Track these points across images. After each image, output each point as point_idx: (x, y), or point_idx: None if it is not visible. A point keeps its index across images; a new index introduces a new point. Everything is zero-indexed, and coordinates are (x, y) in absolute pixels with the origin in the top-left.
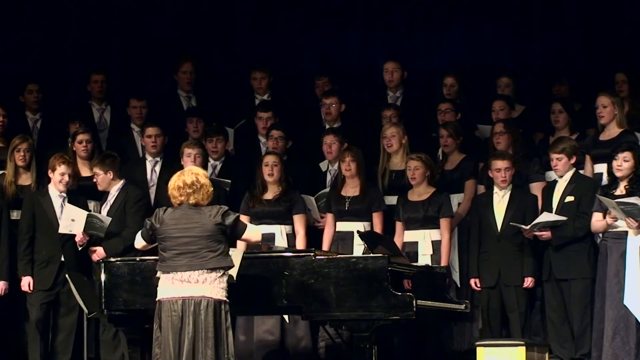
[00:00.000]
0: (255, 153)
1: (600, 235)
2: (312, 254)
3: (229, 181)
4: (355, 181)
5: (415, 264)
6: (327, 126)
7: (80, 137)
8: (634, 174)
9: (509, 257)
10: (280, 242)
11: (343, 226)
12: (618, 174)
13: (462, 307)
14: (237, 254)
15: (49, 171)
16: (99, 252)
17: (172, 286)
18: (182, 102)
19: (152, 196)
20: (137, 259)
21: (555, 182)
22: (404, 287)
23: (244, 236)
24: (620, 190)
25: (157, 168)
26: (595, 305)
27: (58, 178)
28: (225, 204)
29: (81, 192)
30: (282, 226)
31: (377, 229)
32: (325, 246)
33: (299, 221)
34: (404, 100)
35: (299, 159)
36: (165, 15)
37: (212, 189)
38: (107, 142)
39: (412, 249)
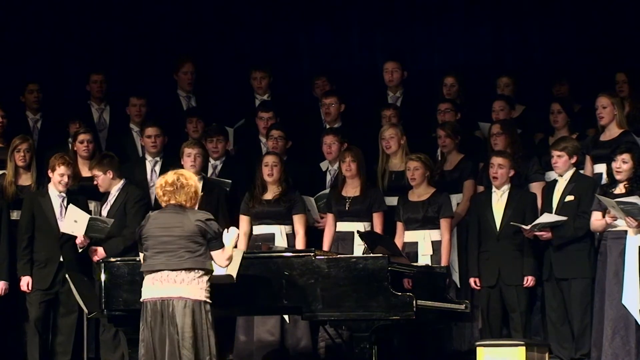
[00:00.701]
0: (255, 153)
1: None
2: (312, 254)
3: (230, 181)
4: (356, 181)
5: (415, 264)
6: (327, 126)
7: (81, 136)
8: (633, 175)
9: (509, 256)
10: (280, 242)
11: (343, 226)
12: (618, 176)
13: (462, 307)
14: (237, 253)
15: (49, 171)
16: (99, 252)
17: (152, 286)
18: (182, 102)
19: (152, 196)
20: (137, 259)
21: (555, 181)
22: (404, 287)
23: (215, 252)
24: (620, 189)
25: (157, 168)
26: (595, 305)
27: (57, 179)
28: (226, 204)
29: (81, 193)
30: (282, 226)
31: (378, 229)
32: (326, 246)
33: (298, 221)
34: (404, 100)
35: (299, 159)
36: (165, 15)
37: (197, 190)
38: (106, 142)
39: (412, 249)
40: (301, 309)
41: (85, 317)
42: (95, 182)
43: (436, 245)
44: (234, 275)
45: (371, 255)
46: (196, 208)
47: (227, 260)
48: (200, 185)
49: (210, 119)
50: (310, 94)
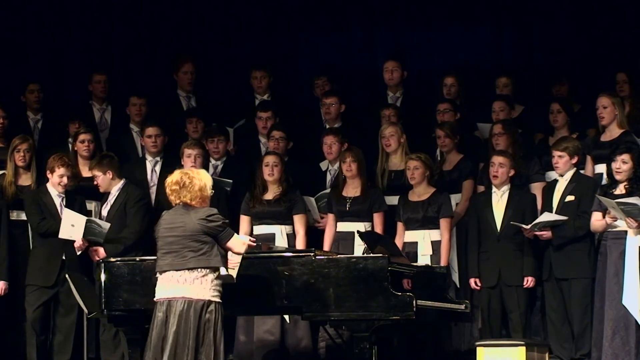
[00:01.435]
0: (255, 153)
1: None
2: (312, 254)
3: (230, 181)
4: (356, 182)
5: (415, 264)
6: (327, 126)
7: (82, 136)
8: (633, 175)
9: (509, 256)
10: (281, 242)
11: (344, 226)
12: (617, 177)
13: (462, 307)
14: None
15: (48, 172)
16: (99, 253)
17: (161, 287)
18: (181, 102)
19: (153, 196)
20: (137, 259)
21: (555, 181)
22: (403, 287)
23: (227, 244)
24: (620, 190)
25: (158, 168)
26: (595, 305)
27: (57, 180)
28: (226, 204)
29: (80, 193)
30: (282, 226)
31: (378, 229)
32: (326, 246)
33: (299, 221)
34: (404, 100)
35: (299, 159)
36: (165, 15)
37: (202, 188)
38: (107, 142)
39: (411, 249)
40: (301, 309)
41: (85, 317)
42: (95, 183)
43: (436, 245)
44: (234, 276)
45: (371, 255)
46: (208, 205)
47: (243, 245)
48: (209, 182)
49: (210, 119)
50: (310, 94)
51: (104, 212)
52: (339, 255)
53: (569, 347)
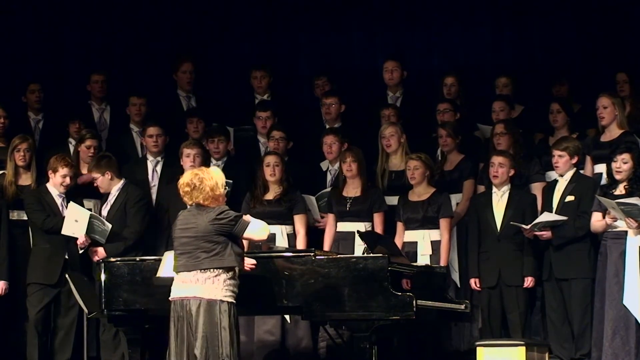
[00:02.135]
0: (255, 153)
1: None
2: (312, 254)
3: (231, 181)
4: (357, 182)
5: (414, 264)
6: (327, 126)
7: (89, 142)
8: (633, 175)
9: (510, 256)
10: (281, 242)
11: (344, 226)
12: (617, 177)
13: (462, 307)
14: None
15: (50, 172)
16: (99, 253)
17: (176, 286)
18: (182, 102)
19: (154, 196)
20: (137, 259)
21: (555, 181)
22: (403, 287)
23: (246, 234)
24: (620, 190)
25: (158, 168)
26: (595, 305)
27: (59, 180)
28: (226, 204)
29: (81, 192)
30: (283, 226)
31: (378, 229)
32: (326, 246)
33: (299, 221)
34: (404, 100)
35: (299, 159)
36: (165, 15)
37: (213, 187)
38: (106, 142)
39: (411, 249)
40: (301, 309)
41: (85, 317)
42: (95, 184)
43: (436, 245)
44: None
45: (371, 255)
46: (223, 203)
47: (264, 230)
48: (220, 180)
49: (210, 119)
50: (310, 94)
51: (104, 212)
52: (339, 255)
53: (569, 347)
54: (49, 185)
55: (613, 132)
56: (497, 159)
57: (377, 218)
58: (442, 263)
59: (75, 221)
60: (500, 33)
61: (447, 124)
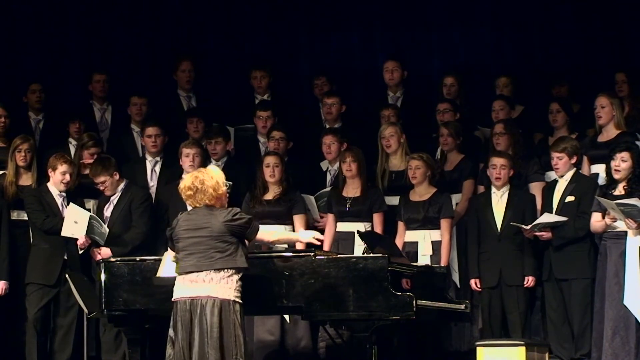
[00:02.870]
0: (255, 153)
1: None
2: (312, 254)
3: (230, 183)
4: (356, 182)
5: (415, 264)
6: (327, 126)
7: (92, 149)
8: (632, 175)
9: (510, 257)
10: None
11: (344, 227)
12: (616, 176)
13: (462, 307)
14: None
15: (49, 170)
16: (104, 252)
17: (183, 286)
18: (182, 102)
19: (153, 196)
20: (137, 259)
21: (555, 181)
22: (403, 287)
23: (258, 237)
24: (619, 190)
25: (157, 168)
26: (595, 305)
27: (59, 177)
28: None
29: (80, 191)
30: (282, 226)
31: (378, 229)
32: (326, 246)
33: (299, 221)
34: (404, 100)
35: (299, 159)
36: (165, 15)
37: (215, 188)
38: (107, 142)
39: (412, 249)
40: (301, 309)
41: (85, 317)
42: (102, 188)
43: (436, 245)
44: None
45: (371, 255)
46: (226, 201)
47: (272, 235)
48: (220, 179)
49: (210, 119)
50: (310, 94)
51: (107, 213)
52: (339, 255)
53: (569, 347)
54: (50, 185)
55: (610, 133)
56: (498, 161)
57: (377, 218)
58: (443, 263)
59: (75, 222)
60: (500, 33)
61: (450, 123)
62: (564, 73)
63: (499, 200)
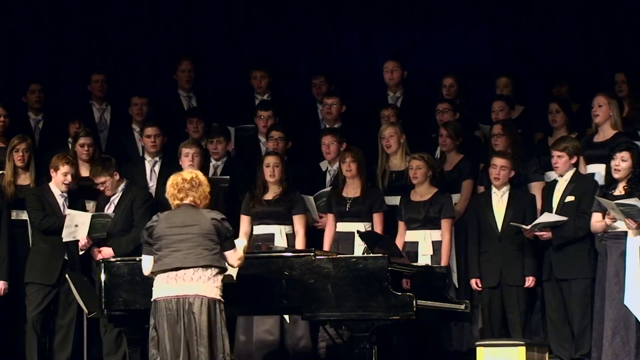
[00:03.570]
0: (255, 153)
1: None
2: (312, 254)
3: (227, 177)
4: (356, 182)
5: (415, 264)
6: (327, 126)
7: (82, 140)
8: (632, 174)
9: (510, 257)
10: (280, 242)
11: (344, 227)
12: (616, 175)
13: (462, 307)
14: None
15: (51, 170)
16: (105, 252)
17: (166, 285)
18: (182, 102)
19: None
20: (137, 259)
21: (555, 181)
22: (403, 287)
23: (226, 253)
24: (619, 190)
25: (157, 168)
26: (595, 305)
27: (61, 178)
28: (225, 203)
29: (80, 193)
30: (282, 226)
31: (378, 229)
32: (326, 246)
33: (298, 221)
34: (404, 100)
35: (299, 159)
36: (165, 15)
37: (210, 190)
38: (107, 142)
39: (412, 249)
40: (301, 309)
41: (85, 317)
42: (102, 188)
43: (436, 245)
44: (234, 276)
45: (371, 255)
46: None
47: (238, 260)
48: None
49: (210, 119)
50: (310, 94)
51: (108, 213)
52: (339, 255)
53: (569, 347)
54: (51, 185)
55: (606, 133)
56: (499, 162)
57: (377, 218)
58: (443, 263)
59: (76, 226)
60: (500, 33)
61: (450, 124)
62: (564, 73)
63: (500, 201)
